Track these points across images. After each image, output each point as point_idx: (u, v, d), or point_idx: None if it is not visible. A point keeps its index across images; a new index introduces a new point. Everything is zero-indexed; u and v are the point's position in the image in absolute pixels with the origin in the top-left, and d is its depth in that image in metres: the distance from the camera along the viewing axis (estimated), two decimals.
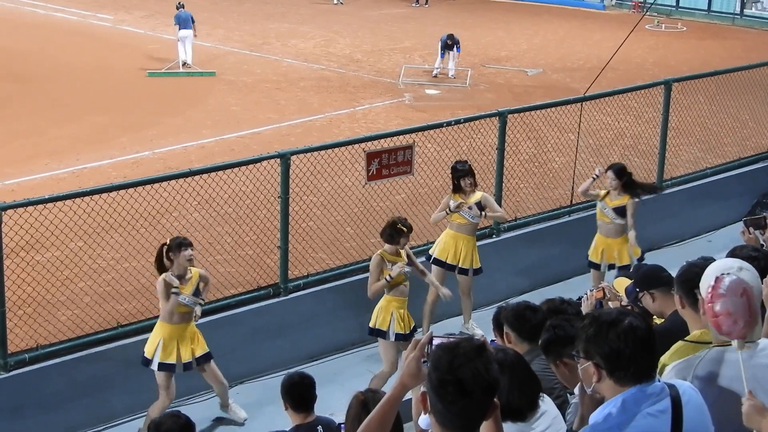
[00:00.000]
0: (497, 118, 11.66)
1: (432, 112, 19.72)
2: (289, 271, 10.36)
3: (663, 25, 31.93)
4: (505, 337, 5.71)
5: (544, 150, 15.70)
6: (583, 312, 5.55)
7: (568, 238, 12.10)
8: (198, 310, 8.83)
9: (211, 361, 8.94)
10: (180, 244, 8.63)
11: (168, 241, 8.71)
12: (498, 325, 5.84)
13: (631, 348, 3.56)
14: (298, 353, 9.92)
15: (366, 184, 10.64)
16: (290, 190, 10.09)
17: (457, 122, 11.87)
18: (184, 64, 23.82)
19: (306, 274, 10.66)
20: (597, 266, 10.84)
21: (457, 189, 10.50)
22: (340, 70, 24.44)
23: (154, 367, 8.66)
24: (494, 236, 11.70)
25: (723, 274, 4.02)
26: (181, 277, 8.66)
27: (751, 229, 6.45)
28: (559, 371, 4.84)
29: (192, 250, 8.70)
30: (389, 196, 12.06)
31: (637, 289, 5.94)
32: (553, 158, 15.57)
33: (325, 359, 10.32)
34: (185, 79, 23.14)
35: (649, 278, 5.95)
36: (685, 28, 31.91)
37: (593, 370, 3.63)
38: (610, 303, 5.63)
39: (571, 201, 12.56)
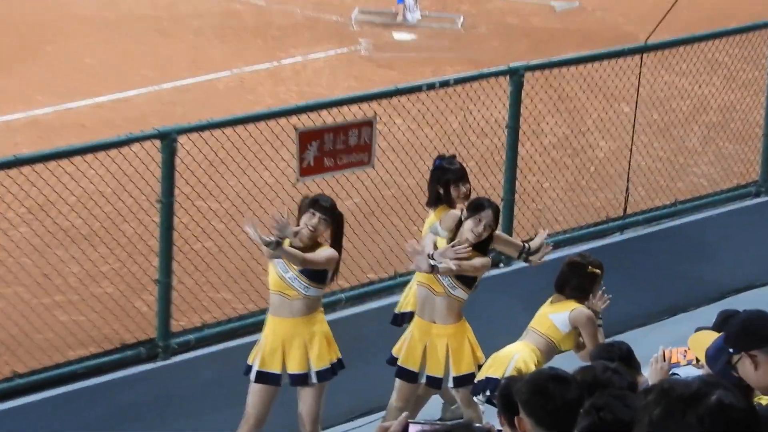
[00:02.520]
0: (507, 77, 11.68)
1: (403, 69, 19.83)
2: (174, 320, 10.43)
3: None
4: (518, 425, 5.68)
5: (582, 129, 15.73)
6: (649, 383, 5.53)
7: (620, 268, 12.08)
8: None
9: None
10: (314, 202, 9.69)
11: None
12: (506, 406, 5.83)
13: None
14: None
15: (298, 181, 10.62)
16: (176, 190, 10.11)
17: (444, 85, 11.87)
18: None
19: (200, 325, 10.74)
20: (413, 376, 10.05)
21: (439, 201, 10.38)
22: (257, 2, 24.43)
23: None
24: (502, 265, 11.68)
25: None
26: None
27: None
28: None
29: (322, 215, 9.63)
30: (336, 200, 12.00)
31: (730, 350, 5.92)
32: (597, 142, 15.60)
33: None
34: (9, 18, 23.02)
35: (748, 332, 5.92)
36: None
37: None
38: (687, 367, 5.63)
39: (625, 210, 12.60)
